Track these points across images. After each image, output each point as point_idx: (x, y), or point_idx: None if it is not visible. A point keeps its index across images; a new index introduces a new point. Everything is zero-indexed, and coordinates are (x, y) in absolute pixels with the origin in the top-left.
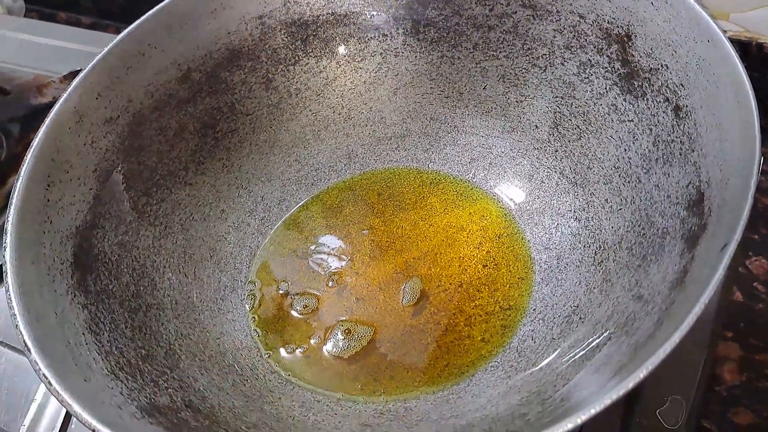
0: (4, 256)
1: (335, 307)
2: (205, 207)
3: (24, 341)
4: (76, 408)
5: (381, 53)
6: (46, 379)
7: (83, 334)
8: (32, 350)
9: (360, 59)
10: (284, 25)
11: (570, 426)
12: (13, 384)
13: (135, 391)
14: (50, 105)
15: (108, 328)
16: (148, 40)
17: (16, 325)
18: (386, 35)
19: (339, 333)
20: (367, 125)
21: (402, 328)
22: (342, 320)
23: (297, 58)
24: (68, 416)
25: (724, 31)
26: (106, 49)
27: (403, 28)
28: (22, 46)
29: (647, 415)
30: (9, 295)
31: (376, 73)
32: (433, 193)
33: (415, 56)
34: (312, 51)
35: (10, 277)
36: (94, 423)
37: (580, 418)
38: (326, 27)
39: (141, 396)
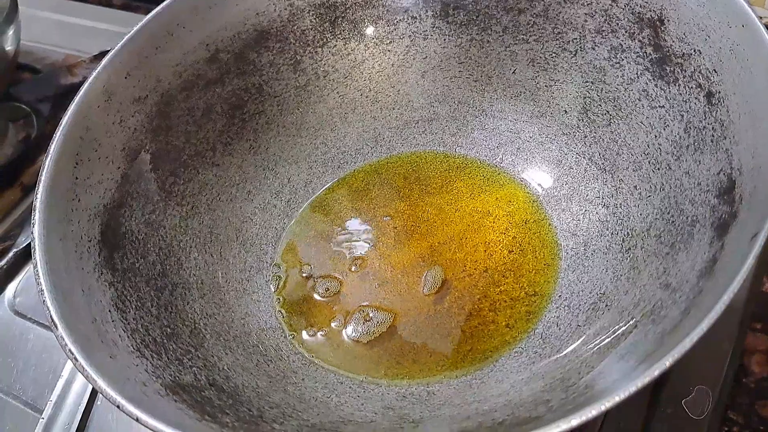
0: (32, 233)
1: (357, 291)
2: (231, 188)
3: (51, 317)
4: (101, 384)
5: (410, 36)
6: (72, 354)
7: (109, 311)
8: (59, 326)
9: (388, 42)
10: (313, 7)
11: (594, 413)
12: (41, 360)
13: (159, 368)
14: (80, 85)
15: (134, 306)
16: (176, 20)
17: (44, 301)
18: (415, 18)
19: (359, 317)
20: (394, 108)
21: (425, 312)
22: (363, 305)
23: (325, 39)
24: (94, 392)
25: (760, 18)
26: (135, 29)
27: (432, 11)
28: (53, 26)
29: (672, 405)
30: (37, 271)
31: (404, 55)
32: (459, 177)
33: (444, 39)
34: (340, 33)
35: (38, 254)
36: (119, 399)
37: (604, 405)
38: (355, 9)
39: (165, 374)
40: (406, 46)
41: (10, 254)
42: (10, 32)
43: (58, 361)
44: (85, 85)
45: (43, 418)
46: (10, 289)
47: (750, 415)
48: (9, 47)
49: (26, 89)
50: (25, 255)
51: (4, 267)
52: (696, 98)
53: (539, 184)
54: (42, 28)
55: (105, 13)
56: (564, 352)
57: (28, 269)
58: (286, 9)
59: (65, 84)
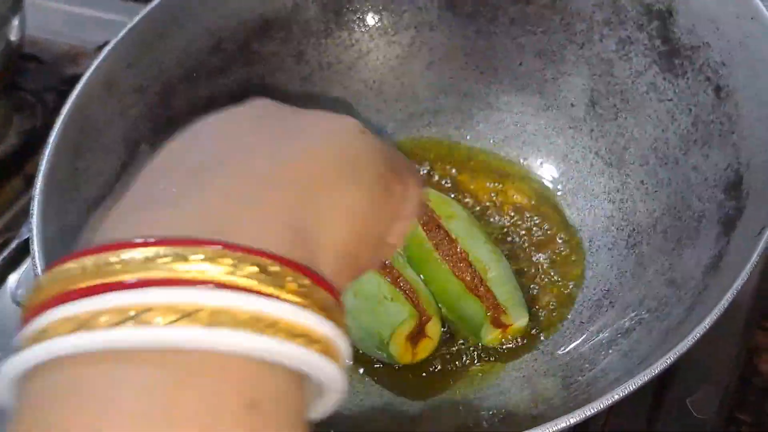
0: (31, 224)
1: None
2: None
3: None
4: None
5: (415, 26)
6: None
7: None
8: None
9: (393, 33)
10: None
11: (593, 412)
12: None
13: None
14: None
15: None
16: (182, 7)
17: None
18: (421, 8)
19: None
20: (398, 100)
21: None
22: None
23: (329, 30)
24: None
25: None
26: (138, 17)
27: (438, 1)
28: (58, 16)
29: (677, 404)
30: (35, 262)
31: (409, 47)
32: (464, 170)
33: (450, 30)
34: (345, 24)
35: (36, 245)
36: None
37: (603, 404)
38: None
39: None
40: (412, 38)
41: (13, 245)
42: (16, 22)
43: None
44: (86, 75)
45: None
46: (12, 279)
47: (759, 415)
48: (14, 37)
49: (31, 79)
50: (27, 246)
51: (6, 258)
52: (704, 92)
53: (544, 178)
54: (47, 18)
55: (111, 3)
56: (566, 350)
57: (30, 260)
58: None
59: (70, 74)
